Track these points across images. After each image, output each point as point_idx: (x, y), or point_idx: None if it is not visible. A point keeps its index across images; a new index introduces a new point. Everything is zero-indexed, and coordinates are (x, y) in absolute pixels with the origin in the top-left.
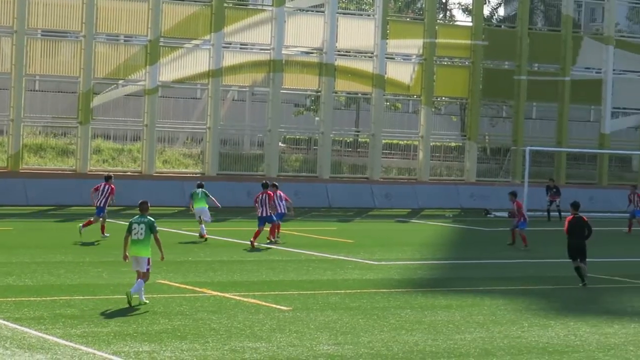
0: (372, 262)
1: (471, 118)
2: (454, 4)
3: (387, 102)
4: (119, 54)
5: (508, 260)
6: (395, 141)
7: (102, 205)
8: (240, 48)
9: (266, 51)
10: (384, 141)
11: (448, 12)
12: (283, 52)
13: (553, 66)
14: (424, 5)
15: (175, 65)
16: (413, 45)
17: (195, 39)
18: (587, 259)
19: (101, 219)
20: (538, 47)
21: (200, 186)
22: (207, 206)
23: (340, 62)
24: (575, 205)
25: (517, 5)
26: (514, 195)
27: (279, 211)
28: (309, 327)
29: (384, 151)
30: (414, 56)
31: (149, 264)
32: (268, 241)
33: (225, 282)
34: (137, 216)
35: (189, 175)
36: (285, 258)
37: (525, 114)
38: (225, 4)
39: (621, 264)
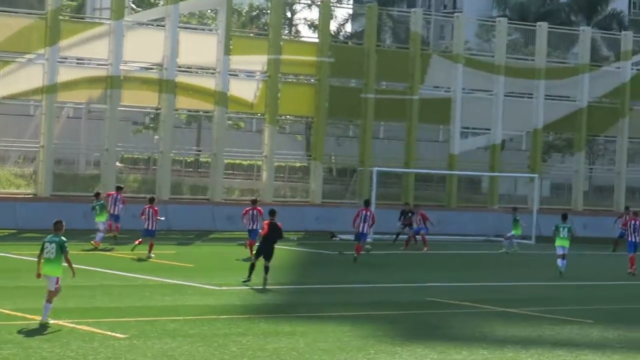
0: (212, 287)
1: (317, 137)
2: (300, 19)
3: (229, 120)
4: None
5: (355, 284)
6: (238, 161)
7: (152, 228)
8: (77, 63)
9: (104, 66)
10: (226, 161)
11: (293, 28)
12: (121, 67)
13: (401, 84)
14: (268, 21)
15: (6, 80)
16: (257, 61)
17: (28, 53)
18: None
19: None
20: (386, 65)
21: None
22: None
23: (181, 79)
24: (271, 212)
25: (364, 21)
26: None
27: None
28: (146, 356)
29: (226, 171)
30: (258, 73)
31: (57, 283)
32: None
33: (58, 309)
34: (51, 235)
35: (20, 196)
36: (121, 283)
37: (373, 133)
38: (61, 17)
39: (469, 289)
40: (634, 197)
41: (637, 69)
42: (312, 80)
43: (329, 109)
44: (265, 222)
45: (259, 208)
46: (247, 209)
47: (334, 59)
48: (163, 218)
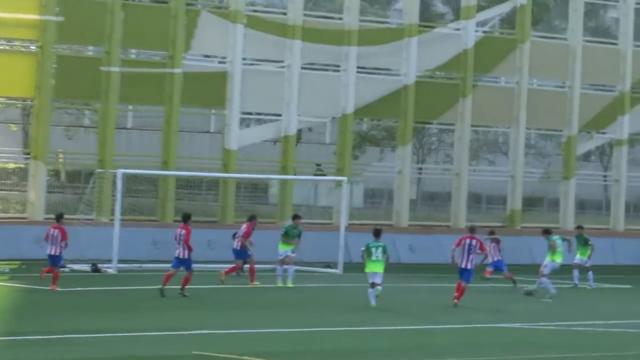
0: None
1: (38, 128)
2: None
3: None
4: None
5: (96, 334)
6: None
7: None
8: None
9: None
10: None
11: None
12: None
13: (158, 53)
14: None
15: None
16: None
17: None
18: None
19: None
20: (136, 26)
21: None
22: None
23: None
24: None
25: None
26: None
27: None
28: None
29: None
30: None
31: None
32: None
33: None
34: None
35: None
36: None
37: (118, 121)
38: None
39: (250, 337)
40: (479, 207)
41: (484, 31)
42: (32, 47)
43: (57, 88)
44: None
45: (62, 227)
46: (52, 226)
47: (63, 17)
48: None
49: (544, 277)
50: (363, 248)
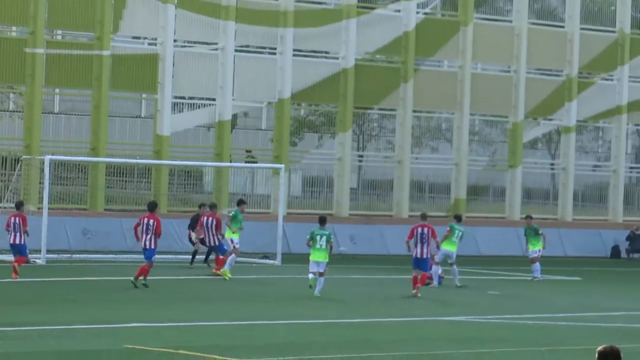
0: None
1: None
2: None
3: None
4: None
5: (18, 327)
6: None
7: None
8: None
9: None
10: None
11: None
12: None
13: (85, 34)
14: None
15: None
16: None
17: None
18: None
19: None
20: (61, 6)
21: None
22: None
23: None
24: None
25: None
26: None
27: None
28: None
29: None
30: None
31: None
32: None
33: None
34: None
35: None
36: None
37: (45, 105)
38: None
39: (185, 330)
40: (422, 196)
41: (425, 13)
42: None
43: None
44: None
45: (24, 215)
46: (12, 215)
47: None
48: None
49: (435, 265)
50: (308, 236)
